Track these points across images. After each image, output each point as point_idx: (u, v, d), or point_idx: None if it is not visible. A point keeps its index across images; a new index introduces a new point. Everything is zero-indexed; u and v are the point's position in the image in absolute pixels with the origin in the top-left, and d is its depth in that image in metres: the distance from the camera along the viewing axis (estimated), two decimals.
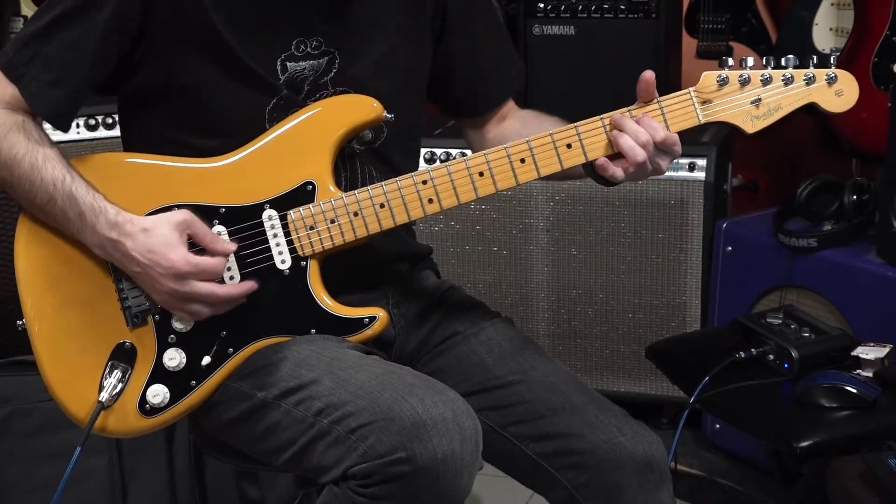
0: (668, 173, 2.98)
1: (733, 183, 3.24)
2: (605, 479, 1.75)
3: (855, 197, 2.77)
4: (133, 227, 1.69)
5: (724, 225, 2.99)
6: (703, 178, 3.00)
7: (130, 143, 1.86)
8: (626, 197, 3.04)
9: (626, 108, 1.75)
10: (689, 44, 3.42)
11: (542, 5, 3.13)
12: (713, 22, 3.39)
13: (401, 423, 1.57)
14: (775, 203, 2.99)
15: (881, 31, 2.83)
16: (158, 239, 1.68)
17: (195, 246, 1.72)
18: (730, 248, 2.96)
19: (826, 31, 3.10)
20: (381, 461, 1.56)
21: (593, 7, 3.09)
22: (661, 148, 1.73)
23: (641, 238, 3.06)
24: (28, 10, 3.47)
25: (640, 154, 1.71)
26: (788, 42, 3.17)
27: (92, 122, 3.08)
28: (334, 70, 1.81)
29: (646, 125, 1.72)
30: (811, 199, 2.81)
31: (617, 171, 1.74)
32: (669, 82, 3.12)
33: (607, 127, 1.75)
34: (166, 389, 1.75)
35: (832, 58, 1.77)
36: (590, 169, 1.79)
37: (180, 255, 1.68)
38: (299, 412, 1.66)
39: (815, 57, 1.76)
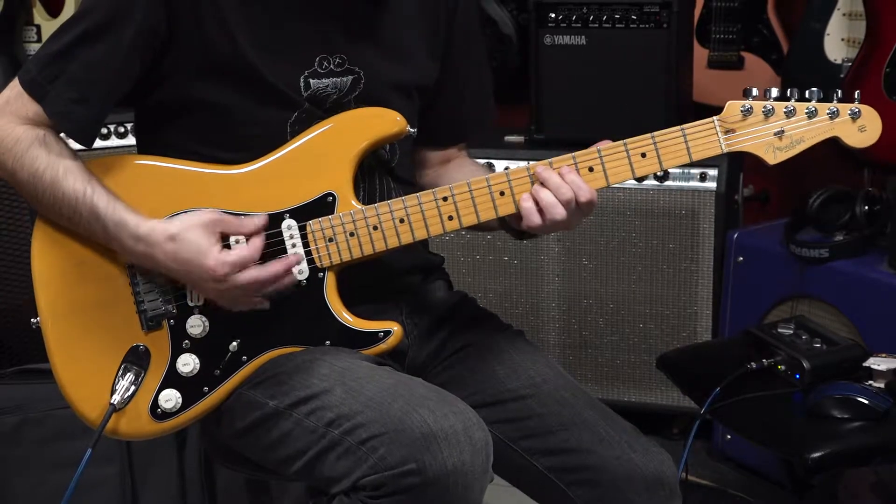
0: (679, 183, 3.03)
1: (744, 193, 3.24)
2: (615, 496, 1.75)
3: (866, 207, 2.76)
4: (158, 237, 1.69)
5: (736, 235, 2.98)
6: (715, 188, 3.00)
7: (148, 154, 1.86)
8: (636, 207, 3.04)
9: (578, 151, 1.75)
10: (700, 54, 3.41)
11: (553, 15, 3.13)
12: (725, 32, 3.39)
13: (411, 434, 1.57)
14: (786, 213, 2.99)
15: (893, 41, 2.82)
16: (188, 246, 1.68)
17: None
18: (741, 259, 2.96)
19: (838, 41, 3.10)
20: (391, 472, 1.57)
21: (604, 17, 3.09)
22: (582, 208, 1.71)
23: (652, 248, 3.05)
24: (41, 19, 3.49)
25: (559, 213, 1.69)
26: (800, 52, 3.17)
27: (104, 130, 3.08)
28: (359, 89, 1.82)
29: (570, 182, 1.71)
30: (822, 210, 2.81)
31: (535, 219, 1.71)
32: (680, 92, 3.11)
33: (532, 177, 1.73)
34: (179, 394, 1.75)
35: (857, 94, 1.75)
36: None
37: (216, 260, 1.67)
38: (311, 422, 1.67)
39: (839, 91, 1.75)
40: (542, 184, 1.71)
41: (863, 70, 2.86)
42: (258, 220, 1.72)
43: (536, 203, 1.71)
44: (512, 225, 1.80)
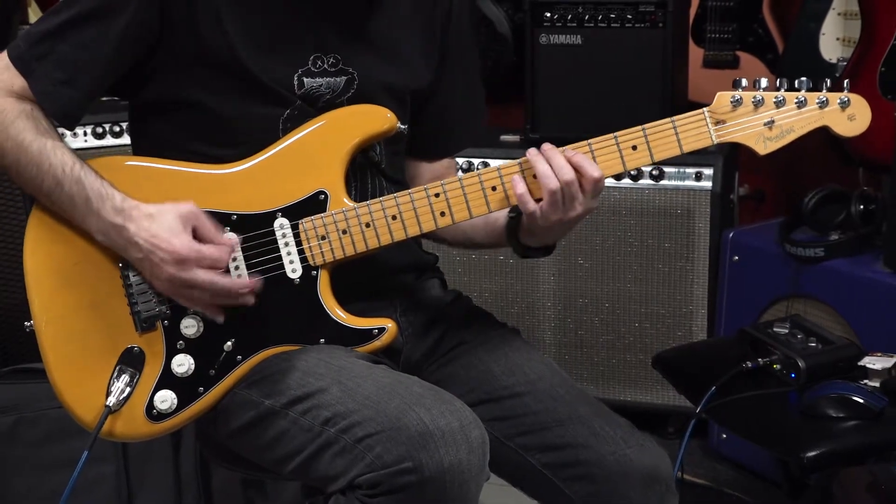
0: (674, 182, 3.03)
1: (740, 192, 3.24)
2: (611, 491, 1.75)
3: (862, 207, 2.76)
4: (138, 213, 1.69)
5: (731, 234, 2.99)
6: (710, 188, 3.00)
7: (142, 151, 1.86)
8: (632, 206, 3.05)
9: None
10: (695, 53, 3.42)
11: (548, 14, 3.13)
12: (720, 31, 3.40)
13: (407, 432, 1.57)
14: (782, 213, 2.99)
15: (888, 40, 2.83)
16: (162, 225, 1.68)
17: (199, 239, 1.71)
18: (736, 258, 2.96)
19: (833, 40, 3.10)
20: (387, 471, 1.56)
21: (600, 16, 3.09)
22: (587, 187, 1.69)
23: (648, 247, 3.06)
24: (36, 18, 3.48)
25: (552, 183, 1.67)
26: (795, 52, 3.17)
27: (99, 130, 3.08)
28: (352, 91, 1.82)
29: (576, 162, 1.69)
30: (818, 209, 2.81)
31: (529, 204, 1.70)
32: (676, 92, 3.12)
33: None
34: (174, 395, 1.75)
35: (846, 83, 1.76)
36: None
37: (183, 241, 1.68)
38: (307, 421, 1.66)
39: (828, 80, 1.75)
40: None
41: (858, 69, 2.86)
42: (230, 237, 1.72)
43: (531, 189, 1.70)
44: (516, 236, 1.80)
